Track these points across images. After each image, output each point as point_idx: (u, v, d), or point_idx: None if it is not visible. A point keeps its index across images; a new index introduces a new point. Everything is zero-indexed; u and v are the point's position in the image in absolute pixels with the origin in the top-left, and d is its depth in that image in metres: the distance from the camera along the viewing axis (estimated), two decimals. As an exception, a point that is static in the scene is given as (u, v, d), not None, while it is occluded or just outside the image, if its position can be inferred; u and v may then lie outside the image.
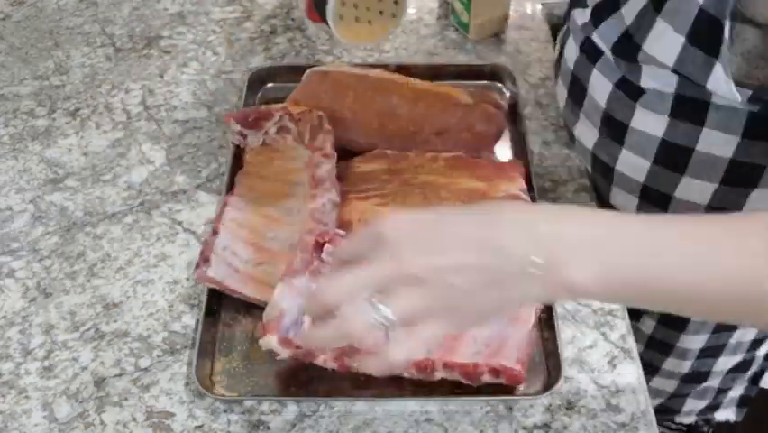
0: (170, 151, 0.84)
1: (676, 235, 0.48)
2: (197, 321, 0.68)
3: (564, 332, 0.68)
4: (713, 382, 0.90)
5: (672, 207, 0.69)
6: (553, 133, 0.85)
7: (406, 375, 0.62)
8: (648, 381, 0.89)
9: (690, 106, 0.62)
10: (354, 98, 0.80)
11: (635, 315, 0.82)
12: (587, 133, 0.72)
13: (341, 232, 0.69)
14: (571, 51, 0.72)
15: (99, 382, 0.65)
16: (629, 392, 0.64)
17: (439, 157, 0.77)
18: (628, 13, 0.63)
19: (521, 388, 0.63)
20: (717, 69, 0.57)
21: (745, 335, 0.83)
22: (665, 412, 0.97)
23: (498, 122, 0.82)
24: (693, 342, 0.83)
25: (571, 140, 0.78)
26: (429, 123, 0.80)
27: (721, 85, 0.57)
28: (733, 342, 0.84)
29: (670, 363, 0.87)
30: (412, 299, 0.46)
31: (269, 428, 0.62)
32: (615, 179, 0.72)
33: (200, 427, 0.63)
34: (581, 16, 0.70)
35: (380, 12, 0.56)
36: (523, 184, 0.75)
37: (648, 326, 0.84)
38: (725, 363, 0.87)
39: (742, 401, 0.96)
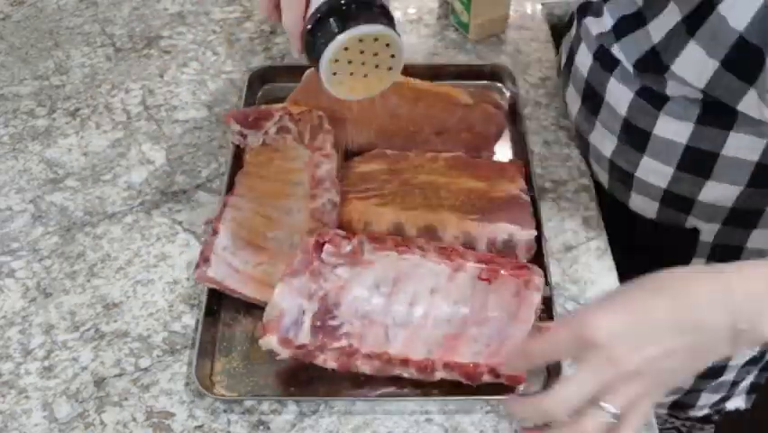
0: (170, 151, 0.84)
1: None
2: (197, 321, 0.68)
3: (564, 332, 0.68)
4: (728, 376, 0.90)
5: (694, 209, 0.69)
6: (553, 133, 0.85)
7: (406, 375, 0.63)
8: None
9: (718, 112, 0.62)
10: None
11: None
12: (604, 140, 0.72)
13: (341, 232, 0.69)
14: (584, 59, 0.72)
15: (99, 382, 0.65)
16: (629, 392, 0.64)
17: (439, 157, 0.77)
18: (656, 30, 0.62)
19: (521, 388, 0.63)
20: (751, 95, 0.57)
21: None
22: (680, 408, 0.97)
23: (498, 122, 0.82)
24: None
25: (583, 147, 0.78)
26: (429, 123, 0.80)
27: (753, 107, 0.58)
28: None
29: None
30: (634, 392, 0.48)
31: (269, 428, 0.62)
32: (634, 185, 0.72)
33: (200, 427, 0.63)
34: (596, 26, 0.70)
35: (376, 66, 0.54)
36: (523, 184, 0.75)
37: None
38: (741, 356, 0.87)
39: (752, 388, 0.96)
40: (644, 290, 0.49)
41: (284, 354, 0.62)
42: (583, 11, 0.74)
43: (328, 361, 0.62)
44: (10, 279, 0.73)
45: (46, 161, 0.84)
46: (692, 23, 0.59)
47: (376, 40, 0.52)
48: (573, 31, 0.77)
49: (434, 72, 0.88)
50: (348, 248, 0.67)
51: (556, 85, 0.90)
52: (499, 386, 0.62)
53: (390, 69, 0.55)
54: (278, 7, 0.55)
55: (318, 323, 0.63)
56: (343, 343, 0.63)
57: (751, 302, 0.47)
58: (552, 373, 0.64)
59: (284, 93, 0.85)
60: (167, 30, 1.00)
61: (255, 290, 0.68)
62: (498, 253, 0.70)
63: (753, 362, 0.89)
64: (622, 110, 0.68)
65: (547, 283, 0.68)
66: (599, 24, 0.69)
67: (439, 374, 0.62)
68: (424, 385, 0.63)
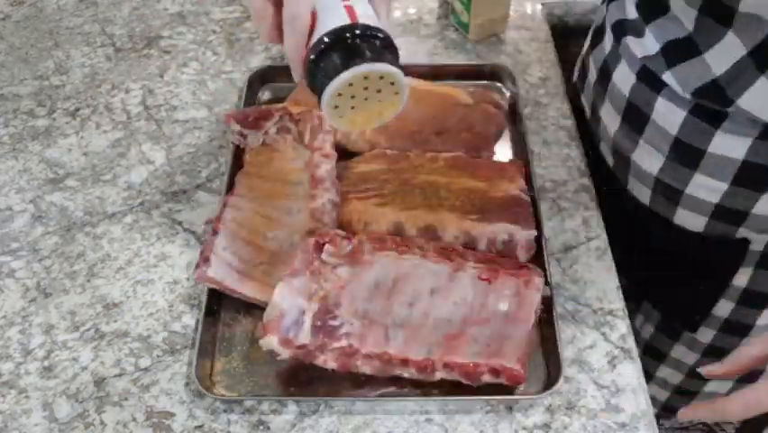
0: (170, 151, 0.84)
1: None
2: (197, 321, 0.68)
3: (564, 332, 0.68)
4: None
5: (747, 222, 0.69)
6: (553, 134, 0.85)
7: (406, 375, 0.63)
8: (701, 386, 0.89)
9: None
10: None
11: (692, 326, 0.81)
12: (650, 158, 0.71)
13: (341, 232, 0.69)
14: (625, 78, 0.70)
15: (99, 382, 0.65)
16: (629, 392, 0.64)
17: (439, 157, 0.77)
18: (716, 62, 0.61)
19: (521, 388, 0.63)
20: None
21: None
22: None
23: (498, 122, 0.82)
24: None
25: (621, 164, 0.76)
26: (429, 123, 0.80)
27: None
28: None
29: None
30: None
31: (269, 428, 0.62)
32: (682, 202, 0.71)
33: (200, 427, 0.63)
34: (639, 47, 0.68)
35: (379, 100, 0.53)
36: (523, 184, 0.75)
37: (707, 335, 0.82)
38: None
39: None
40: None
41: (284, 354, 0.62)
42: (621, 28, 0.71)
43: (328, 361, 0.62)
44: (10, 279, 0.73)
45: (46, 161, 0.84)
46: (761, 59, 0.58)
47: (381, 77, 0.51)
48: (607, 46, 0.74)
49: (434, 72, 0.88)
50: (348, 248, 0.67)
51: (556, 85, 0.90)
52: (499, 386, 0.62)
53: (393, 104, 0.54)
54: (279, 30, 0.54)
55: (318, 323, 0.63)
56: (343, 343, 0.63)
57: None
58: (552, 372, 0.64)
59: (284, 93, 0.86)
60: (167, 30, 1.00)
61: (255, 290, 0.68)
62: (498, 253, 0.70)
63: None
64: (672, 129, 0.67)
65: (547, 283, 0.68)
66: (642, 46, 0.67)
67: (439, 374, 0.62)
68: (424, 385, 0.63)
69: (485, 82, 0.89)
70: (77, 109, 0.90)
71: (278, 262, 0.69)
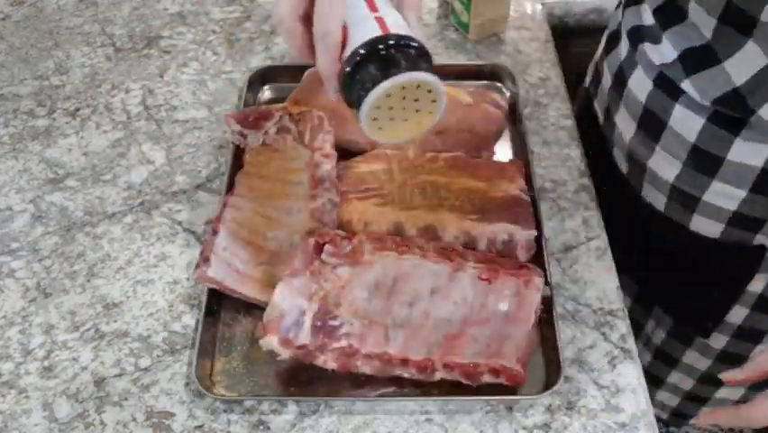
0: (170, 151, 0.84)
1: None
2: (197, 321, 0.68)
3: (564, 332, 0.68)
4: None
5: (764, 229, 0.68)
6: (553, 133, 0.85)
7: (406, 375, 0.62)
8: (713, 392, 0.88)
9: None
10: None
11: (704, 332, 0.81)
12: (666, 165, 0.71)
13: (341, 232, 0.69)
14: (641, 84, 0.70)
15: (99, 382, 0.65)
16: (629, 392, 0.64)
17: (439, 157, 0.77)
18: (736, 71, 0.60)
19: (521, 388, 0.63)
20: None
21: None
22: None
23: (498, 122, 0.82)
24: None
25: (636, 170, 0.75)
26: (429, 123, 0.80)
27: None
28: None
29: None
30: None
31: (269, 428, 0.62)
32: (699, 209, 0.70)
33: (200, 427, 0.63)
34: (656, 54, 0.67)
35: (416, 110, 0.53)
36: (523, 184, 0.75)
37: (720, 341, 0.82)
38: None
39: None
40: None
41: (284, 354, 0.62)
42: (638, 35, 0.70)
43: (328, 361, 0.62)
44: (10, 279, 0.73)
45: (46, 161, 0.84)
46: None
47: (418, 86, 0.51)
48: (623, 52, 0.73)
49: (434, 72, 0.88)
50: (348, 248, 0.67)
51: (556, 85, 0.90)
52: (499, 386, 0.62)
53: (430, 113, 0.54)
54: (311, 47, 0.53)
55: (318, 323, 0.63)
56: (343, 343, 0.63)
57: None
58: (552, 373, 0.64)
59: (284, 93, 0.85)
60: (167, 30, 1.00)
61: (255, 290, 0.68)
62: (498, 253, 0.70)
63: None
64: (690, 136, 0.66)
65: (547, 283, 0.68)
66: (659, 53, 0.67)
67: (439, 374, 0.62)
68: (424, 385, 0.63)
69: (485, 82, 0.89)
70: (77, 109, 0.90)
71: (278, 262, 0.69)
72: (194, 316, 0.69)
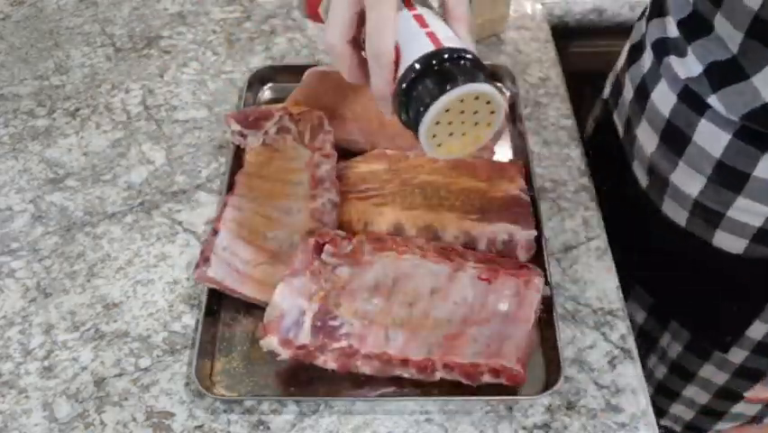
0: (170, 151, 0.84)
1: None
2: (197, 321, 0.68)
3: (564, 332, 0.68)
4: None
5: None
6: (553, 133, 0.85)
7: (406, 375, 0.63)
8: (729, 407, 0.88)
9: None
10: (354, 98, 0.80)
11: (723, 346, 0.80)
12: (689, 181, 0.69)
13: (341, 232, 0.69)
14: (665, 97, 0.68)
15: (99, 382, 0.66)
16: (629, 392, 0.64)
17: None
18: (765, 86, 0.59)
19: (521, 388, 0.63)
20: None
21: None
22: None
23: (498, 122, 0.82)
24: None
25: (658, 184, 0.74)
26: (429, 123, 0.80)
27: None
28: None
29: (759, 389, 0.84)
30: None
31: (269, 428, 0.62)
32: (723, 224, 0.69)
33: (200, 427, 0.63)
34: (682, 67, 0.66)
35: (475, 123, 0.51)
36: (523, 184, 0.75)
37: (739, 356, 0.80)
38: None
39: None
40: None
41: (284, 354, 0.62)
42: (663, 47, 0.69)
43: (328, 361, 0.62)
44: (10, 279, 0.73)
45: (46, 161, 0.84)
46: None
47: (477, 98, 0.50)
48: (646, 64, 0.72)
49: (434, 72, 0.88)
50: (348, 248, 0.67)
51: (556, 85, 0.90)
52: (499, 386, 0.62)
53: (489, 124, 0.52)
54: (362, 69, 0.53)
55: (318, 323, 0.63)
56: (343, 343, 0.63)
57: None
58: (552, 372, 0.64)
59: (284, 93, 0.85)
60: (167, 30, 1.00)
61: (255, 290, 0.68)
62: (498, 253, 0.70)
63: None
64: (715, 152, 0.65)
65: (547, 283, 0.68)
66: (685, 66, 0.65)
67: (439, 374, 0.62)
68: (424, 385, 0.63)
69: (485, 82, 0.89)
70: (77, 109, 0.90)
71: (278, 262, 0.69)
72: (194, 316, 0.69)
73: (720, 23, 0.61)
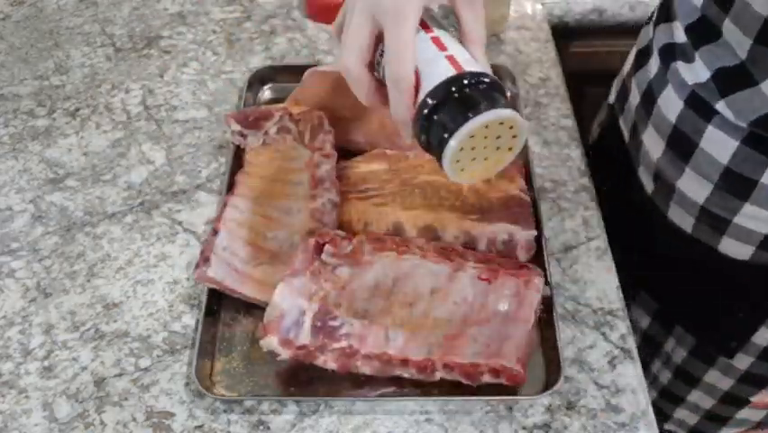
0: (170, 151, 0.84)
1: None
2: (197, 321, 0.68)
3: (564, 332, 0.68)
4: None
5: None
6: (553, 133, 0.85)
7: (406, 375, 0.63)
8: (734, 412, 0.87)
9: None
10: (354, 98, 0.80)
11: (728, 352, 0.79)
12: (696, 187, 0.69)
13: (341, 232, 0.69)
14: (672, 103, 0.68)
15: (99, 382, 0.66)
16: (629, 392, 0.64)
17: (439, 157, 0.77)
18: None
19: (521, 388, 0.63)
20: None
21: None
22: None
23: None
24: None
25: (663, 190, 0.73)
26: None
27: None
28: None
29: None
30: None
31: (269, 428, 0.62)
32: (729, 231, 0.69)
33: (200, 427, 0.63)
34: (689, 73, 0.66)
35: (497, 147, 0.51)
36: (523, 184, 0.75)
37: (745, 361, 0.80)
38: None
39: None
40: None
41: (285, 354, 0.62)
42: (669, 52, 0.69)
43: (328, 361, 0.62)
44: (10, 279, 0.73)
45: (46, 161, 0.84)
46: None
47: (501, 123, 0.49)
48: (653, 69, 0.72)
49: (434, 72, 0.88)
50: (348, 249, 0.67)
51: (556, 85, 0.90)
52: (499, 386, 0.62)
53: (510, 148, 0.52)
54: (380, 93, 0.52)
55: (318, 323, 0.63)
56: (343, 343, 0.63)
57: None
58: (552, 373, 0.64)
59: (284, 93, 0.85)
60: (167, 30, 1.00)
61: (255, 290, 0.68)
62: (498, 253, 0.70)
63: None
64: (722, 158, 0.65)
65: (547, 283, 0.68)
66: (692, 72, 0.65)
67: (439, 374, 0.62)
68: (424, 385, 0.63)
69: (485, 82, 0.89)
70: (77, 109, 0.90)
71: (278, 262, 0.69)
72: (194, 316, 0.69)
73: (729, 29, 0.61)
